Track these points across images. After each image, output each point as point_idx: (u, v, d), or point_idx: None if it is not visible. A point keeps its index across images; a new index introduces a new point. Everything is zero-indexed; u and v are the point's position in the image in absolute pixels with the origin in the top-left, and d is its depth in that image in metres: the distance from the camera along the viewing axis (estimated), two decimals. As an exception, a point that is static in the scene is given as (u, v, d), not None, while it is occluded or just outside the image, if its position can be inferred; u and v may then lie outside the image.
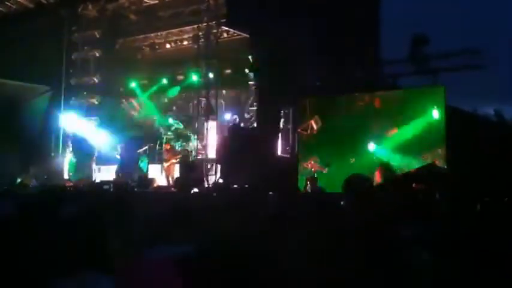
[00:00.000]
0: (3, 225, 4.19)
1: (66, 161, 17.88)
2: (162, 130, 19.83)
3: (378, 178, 10.10)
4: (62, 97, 19.35)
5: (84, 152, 17.98)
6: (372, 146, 13.73)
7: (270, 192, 7.50)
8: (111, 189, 8.21)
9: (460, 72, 13.80)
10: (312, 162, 14.43)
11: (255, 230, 3.36)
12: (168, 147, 17.12)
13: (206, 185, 14.74)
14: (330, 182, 13.29)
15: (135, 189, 11.93)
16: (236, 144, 14.67)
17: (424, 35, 13.90)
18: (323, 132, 14.52)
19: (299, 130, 14.93)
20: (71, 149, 18.73)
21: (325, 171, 14.12)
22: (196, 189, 9.45)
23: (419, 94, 13.72)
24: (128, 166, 17.68)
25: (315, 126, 14.61)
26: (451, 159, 12.12)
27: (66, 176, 17.47)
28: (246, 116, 18.32)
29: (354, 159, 13.86)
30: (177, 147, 17.81)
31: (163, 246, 3.35)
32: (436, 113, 12.97)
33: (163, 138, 19.14)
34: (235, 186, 12.71)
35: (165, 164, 16.44)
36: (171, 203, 5.92)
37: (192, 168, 15.88)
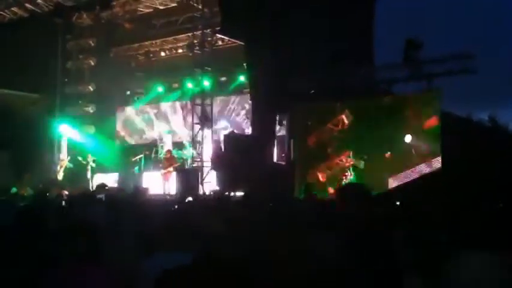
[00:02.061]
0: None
1: (61, 169, 17.79)
2: (158, 138, 19.85)
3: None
4: (57, 105, 19.32)
5: (80, 160, 17.90)
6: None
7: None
8: (104, 199, 8.16)
9: (454, 78, 13.81)
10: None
11: (252, 237, 3.34)
12: (168, 155, 17.08)
13: (201, 193, 14.72)
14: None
15: (130, 198, 11.87)
16: (232, 151, 14.66)
17: (417, 39, 13.90)
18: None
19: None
20: (67, 156, 18.67)
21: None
22: (190, 198, 9.41)
23: (415, 99, 13.74)
24: (123, 174, 17.66)
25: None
26: (446, 163, 12.14)
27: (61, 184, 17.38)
28: (242, 123, 18.35)
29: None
30: (175, 156, 17.79)
31: (160, 255, 3.33)
32: (431, 118, 12.99)
33: (159, 147, 19.13)
34: (231, 193, 12.70)
35: (163, 171, 16.40)
36: (166, 212, 5.91)
37: (188, 176, 15.86)
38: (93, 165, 17.27)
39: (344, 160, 13.94)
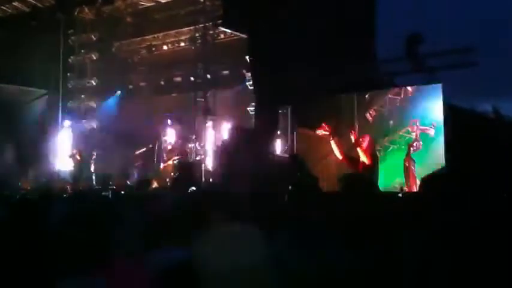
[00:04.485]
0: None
1: (65, 163, 17.82)
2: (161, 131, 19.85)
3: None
4: (60, 100, 19.35)
5: (83, 154, 17.93)
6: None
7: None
8: (110, 196, 8.16)
9: (456, 70, 13.82)
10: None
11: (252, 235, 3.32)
12: (169, 147, 17.14)
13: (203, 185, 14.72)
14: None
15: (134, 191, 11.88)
16: (234, 144, 14.66)
17: (418, 33, 13.93)
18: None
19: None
20: (70, 151, 18.72)
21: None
22: (193, 188, 9.39)
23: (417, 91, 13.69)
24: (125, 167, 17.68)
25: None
26: (450, 156, 12.12)
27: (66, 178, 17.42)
28: (244, 116, 18.33)
29: None
30: (177, 148, 17.75)
31: (165, 249, 3.30)
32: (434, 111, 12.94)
33: (162, 139, 19.15)
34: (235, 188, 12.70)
35: (163, 164, 16.43)
36: (167, 205, 5.90)
37: (190, 169, 15.88)
38: (78, 158, 17.28)
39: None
